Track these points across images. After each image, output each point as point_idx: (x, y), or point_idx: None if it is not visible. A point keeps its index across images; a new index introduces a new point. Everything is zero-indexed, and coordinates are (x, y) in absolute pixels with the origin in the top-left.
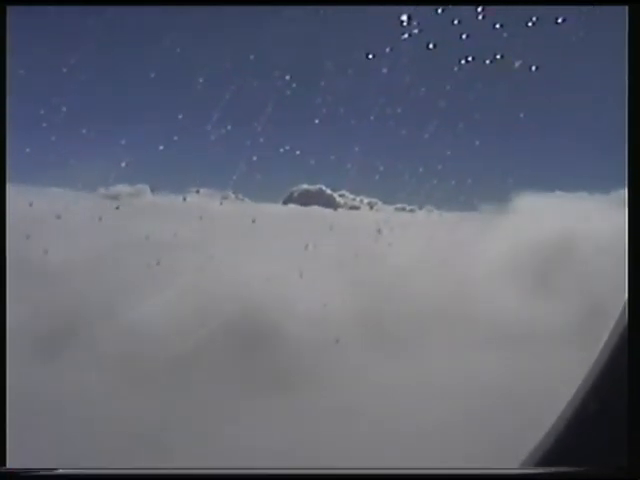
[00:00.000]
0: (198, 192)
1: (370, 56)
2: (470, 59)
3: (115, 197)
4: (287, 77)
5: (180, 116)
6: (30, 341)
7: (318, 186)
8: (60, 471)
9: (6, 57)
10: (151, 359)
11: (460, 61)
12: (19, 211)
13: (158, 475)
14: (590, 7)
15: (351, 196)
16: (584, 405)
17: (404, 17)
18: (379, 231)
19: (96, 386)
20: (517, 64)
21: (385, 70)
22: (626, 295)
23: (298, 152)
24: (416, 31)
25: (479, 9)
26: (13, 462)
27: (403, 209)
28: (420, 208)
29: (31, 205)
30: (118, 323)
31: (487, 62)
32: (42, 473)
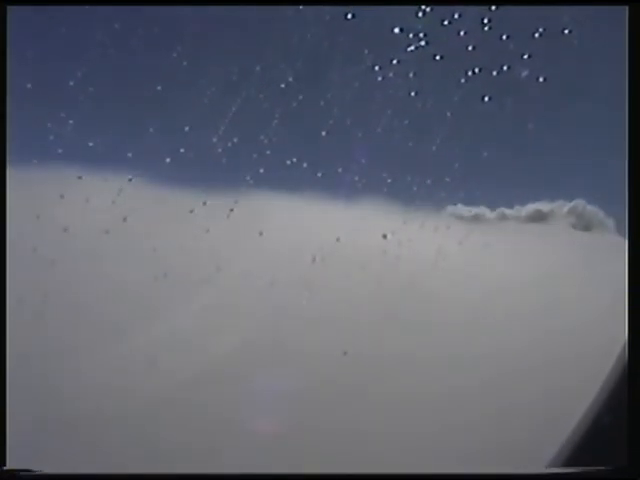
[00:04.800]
0: (205, 204)
1: (376, 68)
2: (477, 70)
3: (124, 209)
4: (293, 89)
5: (187, 128)
6: None
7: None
8: (60, 471)
9: (6, 57)
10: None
11: (467, 72)
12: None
13: (158, 476)
14: (596, 17)
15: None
16: (599, 416)
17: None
18: (385, 237)
19: None
20: (524, 75)
21: (391, 82)
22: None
23: (305, 164)
24: (422, 43)
25: (485, 20)
26: (13, 462)
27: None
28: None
29: (38, 218)
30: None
31: (494, 73)
32: (42, 473)
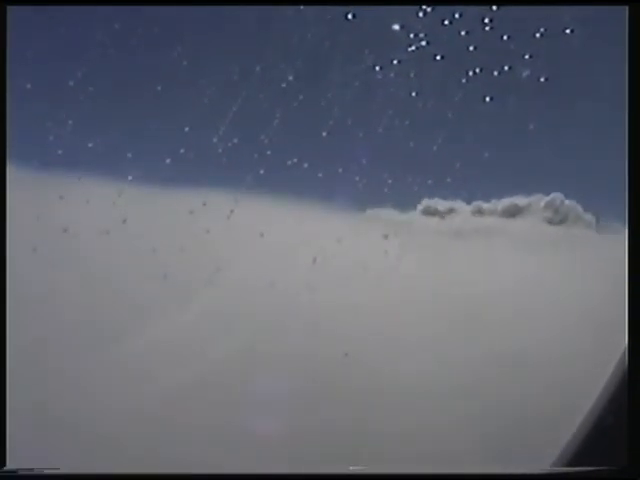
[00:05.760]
0: (205, 205)
1: (377, 68)
2: (478, 71)
3: (124, 210)
4: (294, 89)
5: (187, 129)
6: None
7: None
8: (60, 471)
9: (6, 57)
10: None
11: (468, 73)
12: (25, 222)
13: (158, 476)
14: (597, 17)
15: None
16: (600, 418)
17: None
18: (385, 239)
19: None
20: (525, 75)
21: (392, 82)
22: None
23: (306, 165)
24: (423, 43)
25: (486, 20)
26: (13, 462)
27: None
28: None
29: (38, 219)
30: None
31: (495, 74)
32: (42, 473)
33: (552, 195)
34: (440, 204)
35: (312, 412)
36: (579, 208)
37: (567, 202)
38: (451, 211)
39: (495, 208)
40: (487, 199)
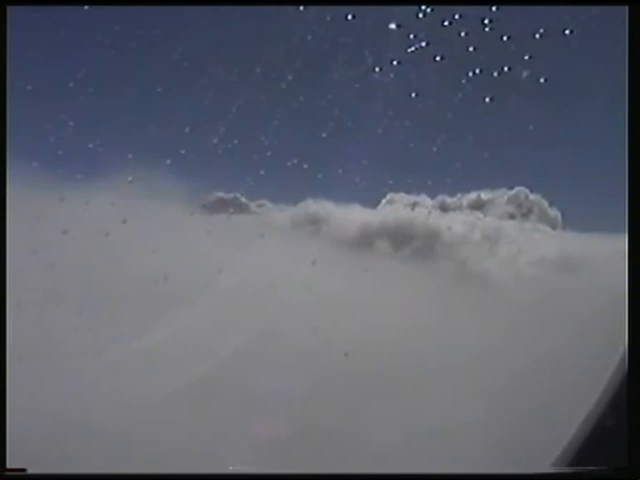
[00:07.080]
0: (205, 206)
1: (377, 69)
2: (478, 71)
3: (124, 211)
4: (294, 90)
5: (187, 130)
6: None
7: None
8: (60, 471)
9: (6, 57)
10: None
11: (467, 73)
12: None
13: (158, 476)
14: (597, 18)
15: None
16: (600, 419)
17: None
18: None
19: None
20: (525, 76)
21: (392, 83)
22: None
23: (306, 166)
24: (423, 44)
25: (486, 21)
26: (13, 462)
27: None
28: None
29: (38, 220)
30: None
31: (495, 74)
32: (42, 473)
33: (516, 189)
34: (405, 198)
35: (311, 411)
36: (544, 203)
37: (532, 196)
38: (415, 205)
39: (460, 202)
40: (452, 193)
